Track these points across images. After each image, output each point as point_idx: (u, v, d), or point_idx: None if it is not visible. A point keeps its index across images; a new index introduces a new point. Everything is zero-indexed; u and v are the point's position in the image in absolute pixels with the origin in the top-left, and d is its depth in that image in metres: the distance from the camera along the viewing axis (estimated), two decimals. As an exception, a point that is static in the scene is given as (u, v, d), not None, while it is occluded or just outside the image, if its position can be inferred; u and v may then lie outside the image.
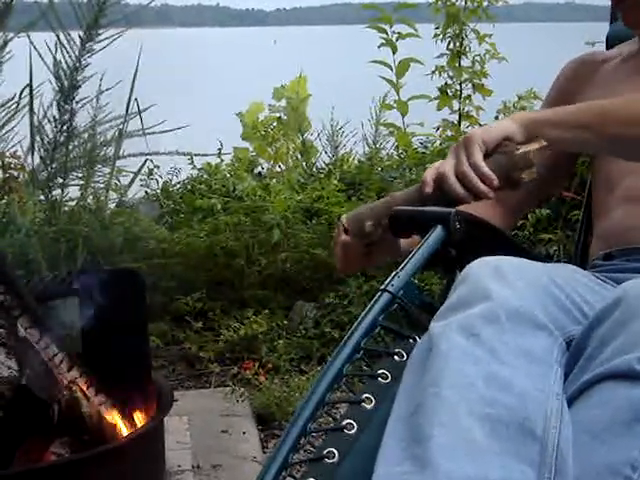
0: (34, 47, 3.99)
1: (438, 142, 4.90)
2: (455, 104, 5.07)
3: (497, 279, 1.38)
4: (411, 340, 1.45)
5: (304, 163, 5.28)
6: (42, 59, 3.98)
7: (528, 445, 1.23)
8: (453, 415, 1.24)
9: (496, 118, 4.72)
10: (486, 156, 1.59)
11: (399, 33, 5.06)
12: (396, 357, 1.43)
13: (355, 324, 1.42)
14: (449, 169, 1.59)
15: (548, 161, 1.99)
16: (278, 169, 5.33)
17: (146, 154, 4.25)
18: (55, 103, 4.01)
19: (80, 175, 4.14)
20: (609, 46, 2.19)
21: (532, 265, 1.47)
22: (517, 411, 1.25)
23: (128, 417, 2.46)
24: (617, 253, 1.79)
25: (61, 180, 4.07)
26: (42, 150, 4.05)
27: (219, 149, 5.01)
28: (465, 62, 5.09)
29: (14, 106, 4.12)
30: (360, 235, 1.71)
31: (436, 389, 1.28)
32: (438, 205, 1.59)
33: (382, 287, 1.47)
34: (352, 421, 1.35)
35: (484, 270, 1.41)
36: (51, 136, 4.03)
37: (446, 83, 5.10)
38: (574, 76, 2.06)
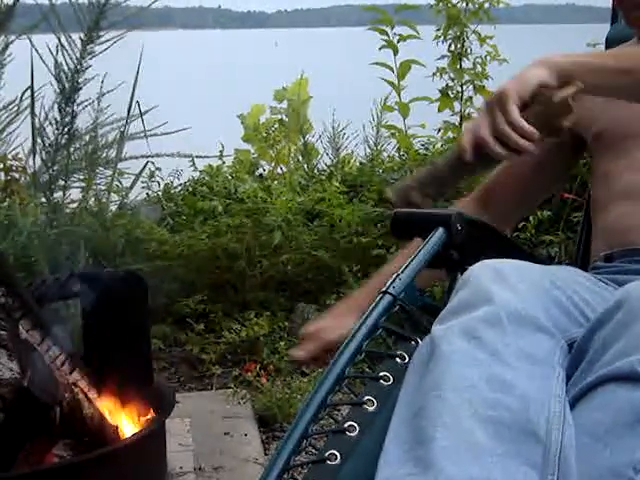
0: (35, 49, 3.99)
1: (439, 144, 4.90)
2: (456, 106, 5.07)
3: (498, 282, 1.38)
4: (413, 342, 1.45)
5: (305, 165, 5.28)
6: (43, 61, 3.99)
7: (531, 447, 1.23)
8: (455, 417, 1.24)
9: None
10: (522, 108, 1.53)
11: (400, 35, 5.05)
12: (398, 359, 1.43)
13: (357, 326, 1.42)
14: (486, 131, 1.55)
15: (544, 159, 1.98)
16: (279, 171, 5.33)
17: (147, 156, 4.26)
18: (56, 105, 4.02)
19: (82, 177, 4.14)
20: (608, 47, 2.18)
21: (533, 267, 1.47)
22: (519, 413, 1.25)
23: (130, 419, 2.46)
24: (618, 254, 1.78)
25: (63, 182, 4.08)
26: (44, 152, 4.06)
27: (220, 151, 5.01)
28: (466, 64, 5.09)
29: (15, 108, 4.13)
30: (408, 206, 1.68)
31: (438, 392, 1.28)
32: (481, 165, 1.57)
33: (384, 289, 1.47)
34: (354, 423, 1.35)
35: (485, 273, 1.41)
36: (52, 138, 4.04)
37: (447, 85, 5.09)
38: None
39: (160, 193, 4.68)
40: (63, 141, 4.03)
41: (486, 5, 5.05)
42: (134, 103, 4.09)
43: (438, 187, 1.63)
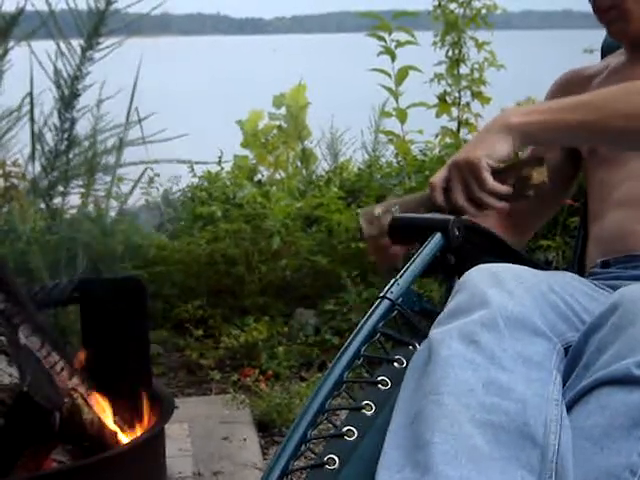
0: (35, 56, 4.00)
1: (437, 149, 4.91)
2: (454, 111, 5.08)
3: (495, 286, 1.39)
4: (411, 347, 1.45)
5: (304, 170, 5.30)
6: (43, 68, 4.00)
7: (528, 451, 1.24)
8: (453, 421, 1.25)
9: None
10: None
11: (398, 41, 5.07)
12: (396, 364, 1.44)
13: (355, 331, 1.42)
14: (460, 197, 1.59)
15: (553, 172, 2.00)
16: (278, 176, 5.34)
17: (146, 162, 4.26)
18: (56, 111, 4.02)
19: (81, 183, 4.15)
20: (604, 54, 2.19)
21: (530, 272, 1.48)
22: (517, 417, 1.26)
23: (129, 424, 2.46)
24: (614, 261, 1.79)
25: (62, 188, 4.08)
26: (43, 158, 4.06)
27: (219, 157, 5.02)
28: (464, 70, 5.10)
29: (15, 115, 4.13)
30: (371, 223, 1.70)
31: (436, 396, 1.28)
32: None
33: (382, 294, 1.47)
34: (352, 428, 1.36)
35: (482, 277, 1.42)
36: (52, 144, 4.04)
37: (445, 91, 5.10)
38: (562, 94, 2.04)
39: (159, 199, 4.69)
40: (62, 147, 4.04)
41: (483, 11, 5.07)
42: (133, 109, 4.10)
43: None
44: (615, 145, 1.76)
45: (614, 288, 1.57)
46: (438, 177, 1.62)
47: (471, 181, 1.58)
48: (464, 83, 5.07)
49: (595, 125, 1.58)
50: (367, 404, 1.39)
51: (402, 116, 5.06)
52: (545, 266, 1.97)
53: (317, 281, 4.16)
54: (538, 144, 1.64)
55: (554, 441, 1.25)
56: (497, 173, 1.59)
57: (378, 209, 1.70)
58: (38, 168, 4.08)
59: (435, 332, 1.37)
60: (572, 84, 2.04)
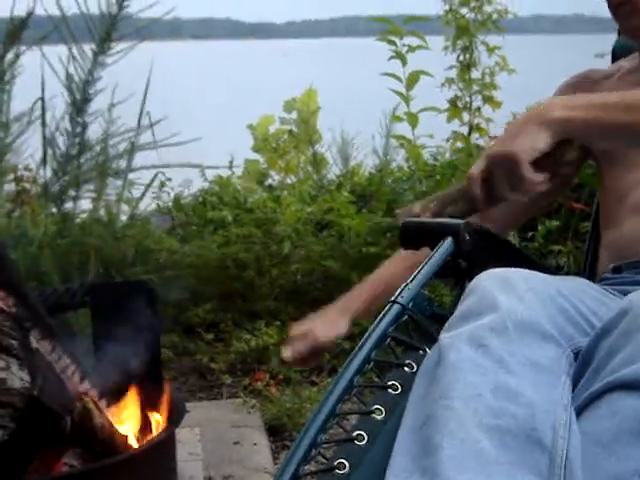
0: (47, 60, 4.01)
1: (448, 154, 4.90)
2: (465, 116, 5.09)
3: (505, 290, 1.39)
4: (421, 351, 1.45)
5: (315, 175, 5.29)
6: (55, 72, 4.01)
7: (536, 456, 1.24)
8: (462, 426, 1.25)
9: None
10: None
11: (409, 45, 5.07)
12: (406, 368, 1.43)
13: (366, 336, 1.42)
14: (505, 190, 1.58)
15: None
16: (289, 181, 5.34)
17: (158, 167, 4.27)
18: (67, 116, 4.04)
19: (92, 188, 4.16)
20: (615, 58, 2.18)
21: (540, 277, 1.47)
22: (525, 421, 1.25)
23: (140, 428, 2.46)
24: (626, 266, 1.78)
25: (73, 193, 4.09)
26: (54, 163, 4.08)
27: (230, 161, 5.02)
28: (475, 74, 5.11)
29: (27, 119, 4.14)
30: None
31: (445, 400, 1.28)
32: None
33: (392, 298, 1.47)
34: (362, 432, 1.36)
35: (492, 281, 1.42)
36: (63, 149, 4.06)
37: (456, 95, 5.11)
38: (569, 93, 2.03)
39: (170, 203, 4.70)
40: (74, 152, 4.05)
41: (494, 16, 5.07)
42: (144, 114, 4.11)
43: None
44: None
45: (625, 293, 1.56)
46: (476, 169, 1.61)
47: (512, 175, 1.56)
48: (475, 88, 5.08)
49: (633, 127, 1.57)
50: (377, 408, 1.39)
51: (413, 121, 5.06)
52: (556, 271, 1.97)
53: (328, 285, 4.15)
54: (576, 139, 1.62)
55: (563, 446, 1.25)
56: (533, 163, 1.58)
57: (416, 207, 1.70)
58: (49, 172, 4.10)
59: (444, 336, 1.37)
60: (582, 85, 2.03)
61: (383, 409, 1.38)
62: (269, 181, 5.32)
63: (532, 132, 1.56)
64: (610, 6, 1.93)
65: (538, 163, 1.57)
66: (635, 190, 1.85)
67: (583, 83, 2.05)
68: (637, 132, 1.57)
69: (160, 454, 2.44)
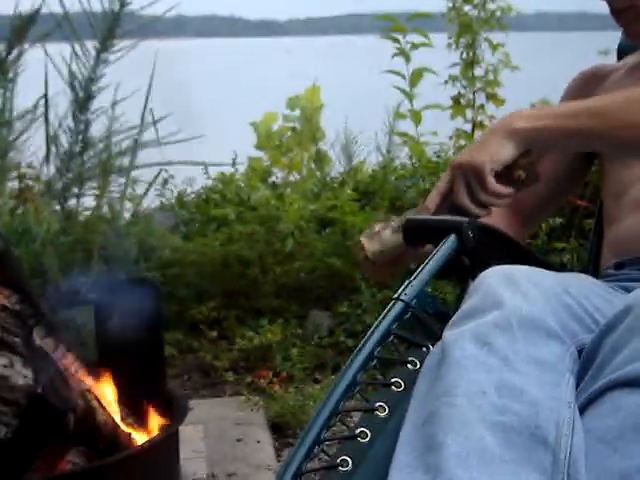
0: (49, 58, 4.01)
1: (451, 151, 4.90)
2: (468, 113, 5.08)
3: (509, 287, 1.39)
4: (425, 349, 1.45)
5: (318, 172, 5.29)
6: (57, 70, 4.00)
7: (540, 453, 1.23)
8: (465, 423, 1.25)
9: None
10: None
11: (412, 43, 5.07)
12: (409, 366, 1.43)
13: (369, 333, 1.42)
14: (464, 199, 1.60)
15: (562, 166, 2.01)
16: (292, 178, 5.34)
17: (161, 164, 4.27)
18: (70, 113, 4.03)
19: (95, 185, 4.15)
20: (620, 56, 2.18)
21: (544, 273, 1.47)
22: (529, 419, 1.25)
23: (143, 426, 2.47)
24: (628, 262, 1.79)
25: (76, 190, 4.09)
26: (58, 160, 4.07)
27: (233, 159, 5.02)
28: (478, 71, 5.10)
29: (30, 117, 4.14)
30: (372, 239, 1.71)
31: (449, 398, 1.28)
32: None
33: (396, 296, 1.47)
34: (365, 429, 1.36)
35: (496, 278, 1.42)
36: (66, 146, 4.05)
37: (459, 92, 5.11)
38: (580, 90, 2.03)
39: (173, 201, 4.70)
40: (77, 149, 4.05)
41: (498, 13, 5.07)
42: (147, 111, 4.10)
43: None
44: (617, 152, 1.77)
45: (628, 290, 1.56)
46: (441, 181, 1.64)
47: (475, 184, 1.59)
48: (478, 85, 5.07)
49: (597, 133, 1.58)
50: (380, 406, 1.38)
51: (416, 118, 5.07)
52: (560, 268, 1.96)
53: (331, 283, 4.15)
54: (541, 149, 1.64)
55: (566, 443, 1.25)
56: (498, 175, 1.60)
57: (377, 226, 1.71)
58: (53, 170, 4.09)
59: (448, 334, 1.37)
60: (590, 82, 2.03)
61: (386, 406, 1.38)
62: (272, 179, 5.31)
63: (497, 142, 1.60)
64: (612, 12, 1.93)
65: (503, 177, 1.59)
66: (634, 186, 1.86)
67: (590, 80, 2.05)
68: (598, 136, 1.59)
69: (163, 452, 2.44)
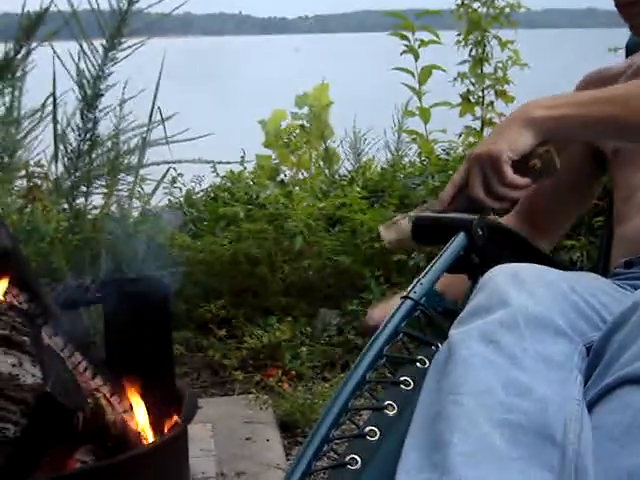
0: (57, 56, 4.01)
1: (461, 149, 4.89)
2: (478, 111, 5.07)
3: (516, 285, 1.38)
4: (433, 347, 1.45)
5: (327, 170, 5.29)
6: (65, 68, 4.00)
7: (548, 451, 1.23)
8: (473, 422, 1.24)
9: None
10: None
11: (421, 40, 5.07)
12: (418, 364, 1.43)
13: (378, 331, 1.42)
14: (480, 191, 1.59)
15: (572, 175, 2.00)
16: (301, 176, 5.34)
17: (169, 162, 4.26)
18: (78, 112, 4.03)
19: (104, 183, 4.15)
20: (629, 53, 2.17)
21: (551, 272, 1.47)
22: (536, 417, 1.25)
23: (152, 424, 2.46)
24: (637, 261, 1.78)
25: (85, 188, 4.09)
26: (66, 159, 4.07)
27: (242, 157, 5.02)
28: (487, 69, 5.09)
29: (38, 115, 4.15)
30: (389, 228, 1.72)
31: (456, 396, 1.28)
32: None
33: (405, 294, 1.47)
34: (375, 428, 1.35)
35: (503, 277, 1.41)
36: (75, 145, 4.05)
37: (468, 90, 5.10)
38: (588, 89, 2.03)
39: (182, 199, 4.70)
40: (85, 147, 4.04)
41: (507, 10, 5.06)
42: (155, 109, 4.10)
43: None
44: (633, 140, 1.75)
45: (637, 288, 1.56)
46: (458, 174, 1.63)
47: (491, 175, 1.57)
48: (488, 82, 5.06)
49: (617, 120, 1.57)
50: (389, 404, 1.38)
51: (425, 115, 5.06)
52: (570, 266, 1.96)
53: (340, 281, 4.15)
54: (560, 138, 1.63)
55: (574, 440, 1.24)
56: (515, 165, 1.59)
57: (396, 217, 1.72)
58: (61, 168, 4.09)
59: (455, 332, 1.37)
60: (598, 80, 2.02)
61: (395, 405, 1.38)
62: (281, 176, 5.31)
63: (514, 132, 1.59)
64: (617, 6, 1.92)
65: (520, 168, 1.58)
66: None
67: (600, 78, 2.04)
68: (620, 124, 1.57)
69: (172, 450, 2.43)
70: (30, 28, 3.99)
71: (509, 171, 1.57)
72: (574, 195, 2.07)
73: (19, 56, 4.03)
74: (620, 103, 1.58)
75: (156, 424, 2.46)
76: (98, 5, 3.96)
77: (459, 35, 5.11)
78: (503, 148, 1.57)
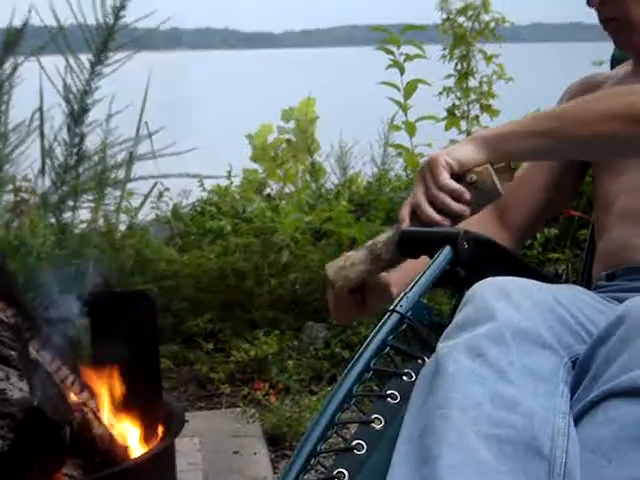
0: (44, 71, 4.02)
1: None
2: (463, 125, 5.09)
3: (502, 299, 1.39)
4: (420, 361, 1.45)
5: (313, 184, 5.30)
6: (52, 83, 4.01)
7: (535, 464, 1.23)
8: (460, 436, 1.25)
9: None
10: (455, 179, 1.61)
11: (407, 54, 5.07)
12: (405, 377, 1.43)
13: (364, 344, 1.42)
14: (420, 197, 1.61)
15: (554, 179, 2.01)
16: (287, 190, 5.34)
17: (156, 177, 4.27)
18: (65, 126, 4.04)
19: (91, 198, 4.16)
20: (614, 66, 2.19)
21: (537, 285, 1.47)
22: (524, 430, 1.25)
23: (139, 438, 2.46)
24: (619, 273, 1.79)
25: (72, 203, 4.09)
26: (53, 173, 4.08)
27: (228, 171, 5.03)
28: (473, 83, 5.11)
29: (25, 130, 4.15)
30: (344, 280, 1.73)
31: (443, 410, 1.28)
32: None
33: (391, 307, 1.47)
34: (362, 441, 1.35)
35: (489, 290, 1.42)
36: (62, 159, 4.06)
37: (454, 104, 5.11)
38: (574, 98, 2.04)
39: (169, 213, 4.70)
40: (72, 162, 4.05)
41: (492, 24, 5.08)
42: (142, 124, 4.11)
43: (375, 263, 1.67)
44: (580, 155, 1.78)
45: (620, 300, 1.57)
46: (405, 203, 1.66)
47: (428, 179, 1.59)
48: (473, 96, 5.08)
49: (556, 133, 1.60)
50: (376, 418, 1.38)
51: (411, 129, 5.06)
52: (554, 279, 1.97)
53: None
54: (509, 154, 1.64)
55: (561, 454, 1.25)
56: (458, 179, 1.60)
57: (341, 260, 1.73)
58: (48, 183, 4.10)
59: (442, 346, 1.37)
60: (585, 88, 2.04)
61: (382, 418, 1.38)
62: (267, 190, 5.32)
63: (458, 145, 1.64)
64: (601, 21, 1.95)
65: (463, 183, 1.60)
66: (621, 197, 1.86)
67: (586, 87, 2.05)
68: (561, 137, 1.60)
69: (160, 464, 2.43)
70: (10, 44, 3.99)
71: (444, 174, 1.59)
72: (550, 201, 2.07)
73: (5, 70, 4.03)
74: (556, 117, 1.62)
75: (143, 438, 2.46)
76: (85, 20, 3.98)
77: (444, 49, 5.13)
78: (441, 154, 1.61)
